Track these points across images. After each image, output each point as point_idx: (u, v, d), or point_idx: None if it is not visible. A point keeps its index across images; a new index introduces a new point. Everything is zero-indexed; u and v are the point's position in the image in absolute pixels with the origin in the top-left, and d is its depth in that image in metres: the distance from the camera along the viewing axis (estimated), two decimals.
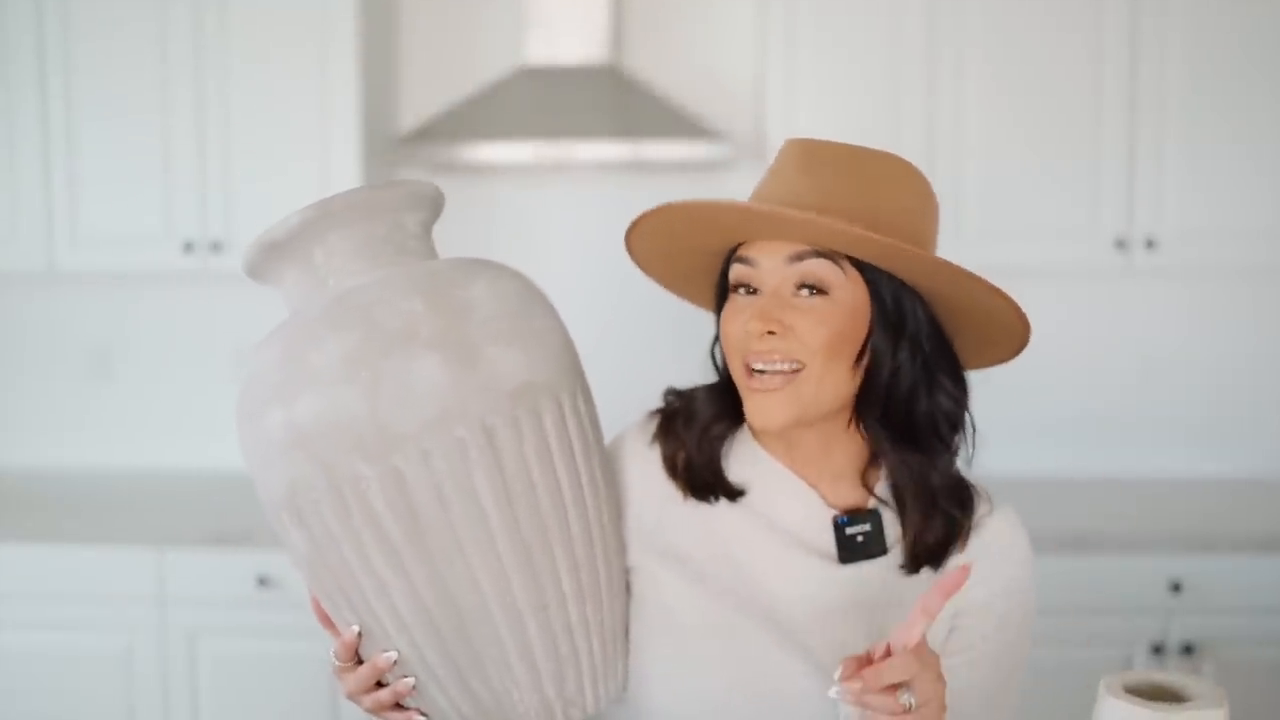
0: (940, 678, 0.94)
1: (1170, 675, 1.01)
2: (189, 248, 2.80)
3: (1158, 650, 2.51)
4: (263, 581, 2.59)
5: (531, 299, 1.05)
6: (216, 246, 2.79)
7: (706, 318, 1.21)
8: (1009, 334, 1.09)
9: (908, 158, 1.10)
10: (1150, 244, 2.73)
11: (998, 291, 1.04)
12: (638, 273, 1.22)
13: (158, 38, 2.76)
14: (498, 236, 3.04)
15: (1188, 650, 2.51)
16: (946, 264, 1.03)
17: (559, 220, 3.08)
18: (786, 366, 1.04)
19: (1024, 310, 1.06)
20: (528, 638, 1.00)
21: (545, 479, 0.99)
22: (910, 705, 0.91)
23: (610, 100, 2.79)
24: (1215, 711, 0.96)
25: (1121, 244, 2.73)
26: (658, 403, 1.23)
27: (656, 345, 2.97)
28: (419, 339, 0.95)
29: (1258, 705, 2.47)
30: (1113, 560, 2.53)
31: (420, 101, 3.07)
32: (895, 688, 0.91)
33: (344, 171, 2.75)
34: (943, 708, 0.95)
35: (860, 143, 1.11)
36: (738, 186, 3.00)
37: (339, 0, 2.73)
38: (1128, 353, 3.04)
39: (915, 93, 2.74)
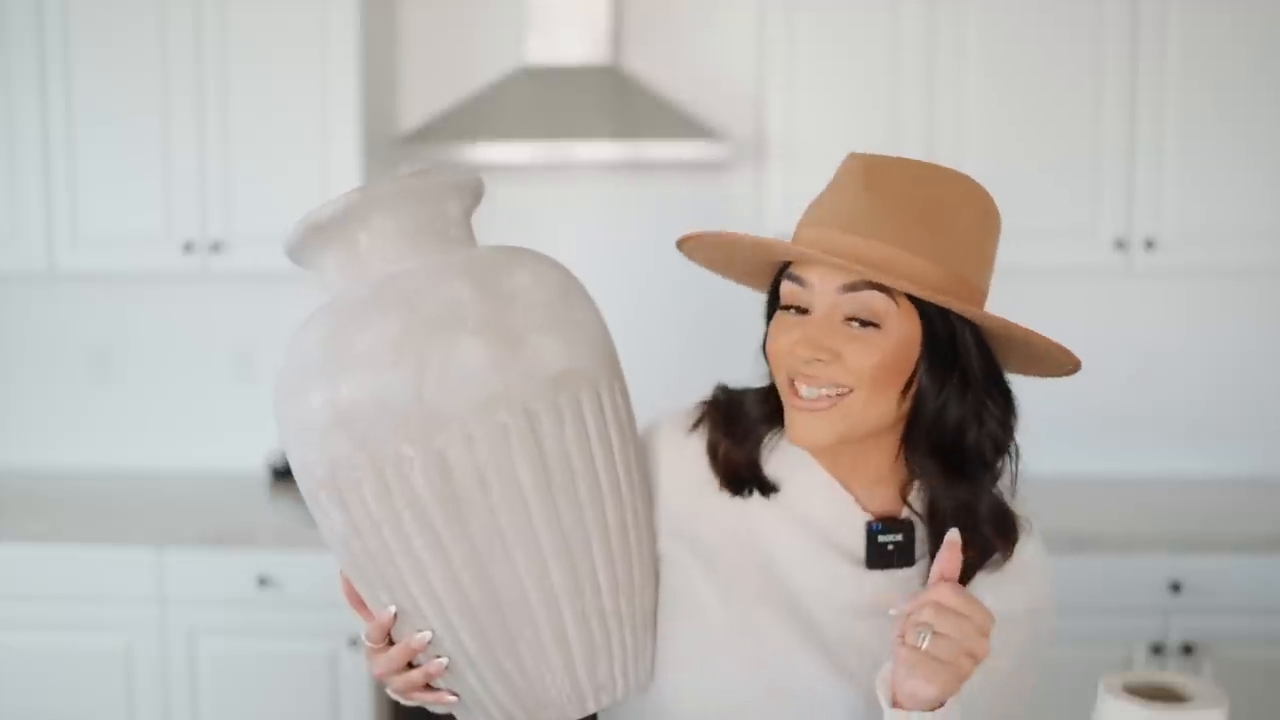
0: (972, 654, 0.96)
1: (1170, 675, 1.02)
2: (189, 248, 2.80)
3: (1158, 650, 2.51)
4: (263, 581, 2.59)
5: (572, 289, 1.06)
6: (216, 246, 2.79)
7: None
8: (1058, 368, 1.10)
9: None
10: (1150, 244, 2.73)
11: (1055, 344, 1.04)
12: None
13: (158, 38, 2.76)
14: (498, 236, 3.01)
15: (1188, 650, 2.51)
16: (1005, 322, 1.02)
17: (559, 220, 3.08)
18: (833, 391, 1.03)
19: (1076, 356, 1.06)
20: (563, 623, 1.01)
21: (584, 468, 1.00)
22: (922, 643, 0.95)
23: (610, 100, 2.79)
24: (1215, 711, 0.97)
25: (1121, 244, 2.73)
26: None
27: (658, 345, 2.97)
28: (465, 324, 0.96)
29: (1258, 705, 2.47)
30: (1113, 560, 2.53)
31: (420, 101, 3.07)
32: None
33: (344, 172, 2.75)
34: (956, 680, 0.96)
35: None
36: (738, 187, 3.00)
37: (339, 0, 2.74)
38: (1128, 353, 3.04)
39: (915, 92, 2.74)
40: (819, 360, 1.03)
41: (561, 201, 3.09)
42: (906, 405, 1.06)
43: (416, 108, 3.07)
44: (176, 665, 2.63)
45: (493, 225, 3.03)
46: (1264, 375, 3.04)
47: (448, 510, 0.96)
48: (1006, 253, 3.00)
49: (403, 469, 0.95)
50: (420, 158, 2.77)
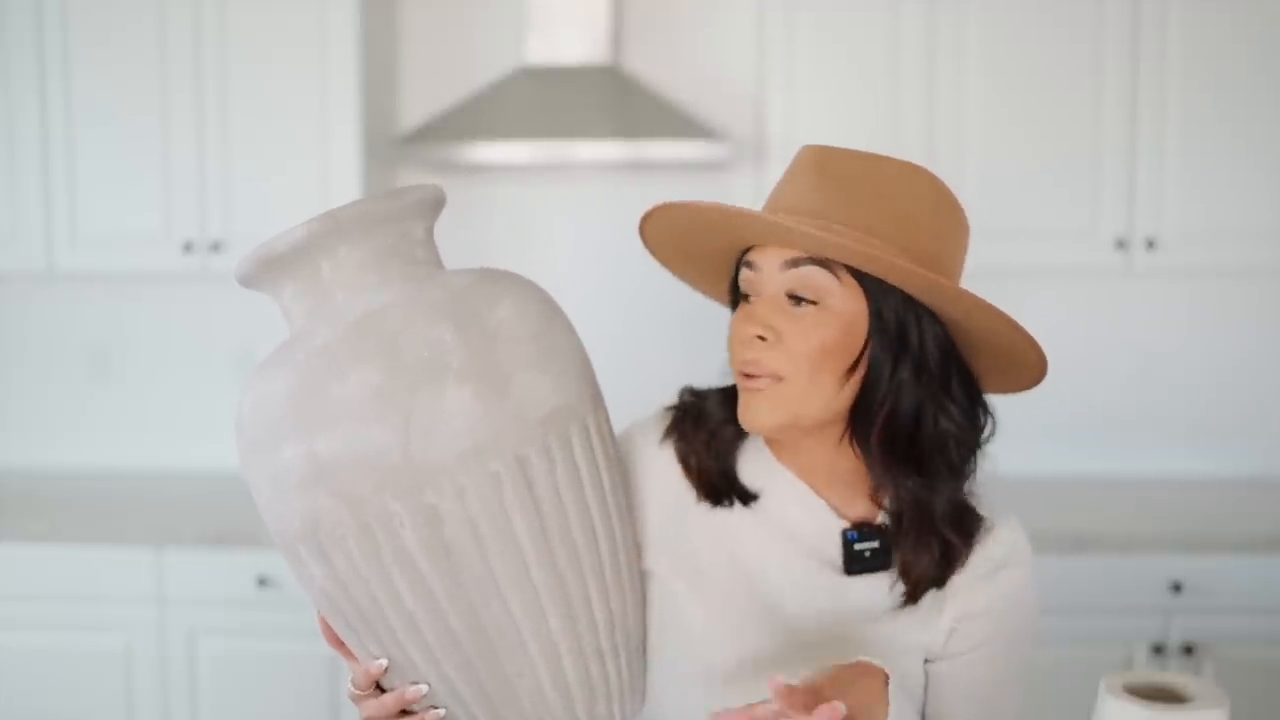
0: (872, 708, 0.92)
1: (1170, 675, 1.01)
2: (188, 248, 2.80)
3: (1158, 650, 2.51)
4: (262, 581, 2.59)
5: (553, 316, 1.01)
6: (216, 247, 2.79)
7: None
8: (1024, 366, 1.07)
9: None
10: (1150, 244, 2.73)
11: (1013, 323, 1.01)
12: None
13: (157, 38, 2.76)
14: (498, 236, 3.04)
15: (1188, 650, 2.51)
16: (938, 281, 1.00)
17: (559, 220, 3.08)
18: (770, 375, 1.03)
19: (1041, 346, 1.04)
20: (561, 667, 0.98)
21: (576, 506, 0.97)
22: None
23: (610, 100, 2.79)
24: (1215, 711, 0.96)
25: (1122, 244, 2.73)
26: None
27: (657, 346, 2.97)
28: (450, 370, 0.91)
29: (1258, 705, 2.47)
30: (1113, 560, 2.53)
31: (420, 101, 3.06)
32: None
33: (344, 171, 2.75)
34: None
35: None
36: (738, 187, 3.00)
37: (339, 0, 2.74)
38: (1128, 353, 3.04)
39: (915, 93, 2.74)
40: (761, 339, 1.03)
41: (561, 201, 3.09)
42: (853, 392, 1.05)
43: (416, 108, 3.07)
44: (176, 665, 2.63)
45: (492, 225, 3.05)
46: (1264, 375, 3.04)
47: (439, 563, 0.92)
48: (1007, 253, 2.99)
49: (391, 524, 0.91)
50: (420, 158, 2.77)
